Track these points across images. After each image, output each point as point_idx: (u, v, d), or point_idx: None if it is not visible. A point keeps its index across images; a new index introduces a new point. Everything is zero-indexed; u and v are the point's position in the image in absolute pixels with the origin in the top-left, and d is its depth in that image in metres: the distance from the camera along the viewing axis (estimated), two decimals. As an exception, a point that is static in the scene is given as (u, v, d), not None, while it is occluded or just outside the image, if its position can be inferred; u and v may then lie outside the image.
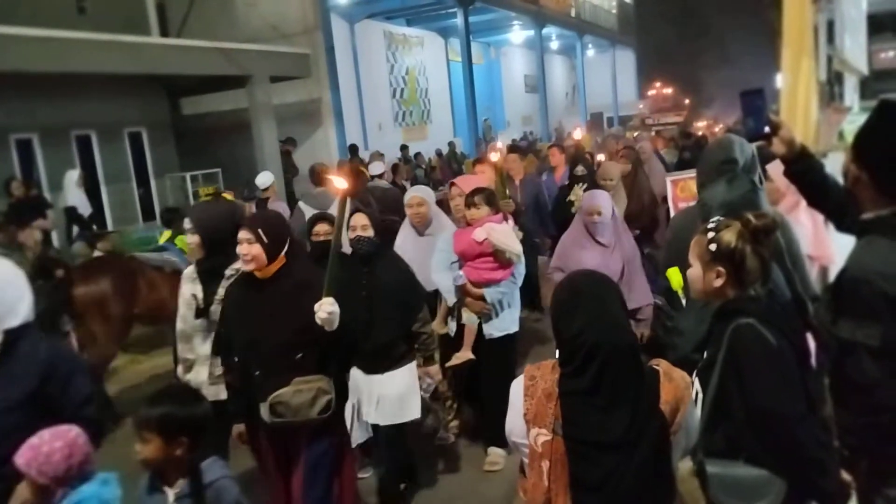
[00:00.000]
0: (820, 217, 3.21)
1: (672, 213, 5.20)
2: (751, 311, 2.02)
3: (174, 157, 14.17)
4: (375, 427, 3.84)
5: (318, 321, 2.64)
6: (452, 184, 4.82)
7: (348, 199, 2.76)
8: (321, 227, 3.91)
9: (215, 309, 3.38)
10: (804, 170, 2.32)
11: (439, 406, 4.47)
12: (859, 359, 1.98)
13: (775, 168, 2.99)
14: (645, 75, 37.78)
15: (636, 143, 8.12)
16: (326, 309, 2.62)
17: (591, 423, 1.82)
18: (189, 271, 3.57)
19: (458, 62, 21.55)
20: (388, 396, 3.70)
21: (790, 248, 2.75)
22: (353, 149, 15.20)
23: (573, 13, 28.58)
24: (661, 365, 1.94)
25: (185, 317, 3.53)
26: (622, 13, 35.42)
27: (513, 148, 9.73)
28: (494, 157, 5.61)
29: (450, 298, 4.20)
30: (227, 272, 3.39)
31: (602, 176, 5.88)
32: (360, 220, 3.69)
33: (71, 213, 10.48)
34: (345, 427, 3.16)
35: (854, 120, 5.38)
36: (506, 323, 4.25)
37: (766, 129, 2.28)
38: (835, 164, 2.89)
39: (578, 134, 10.89)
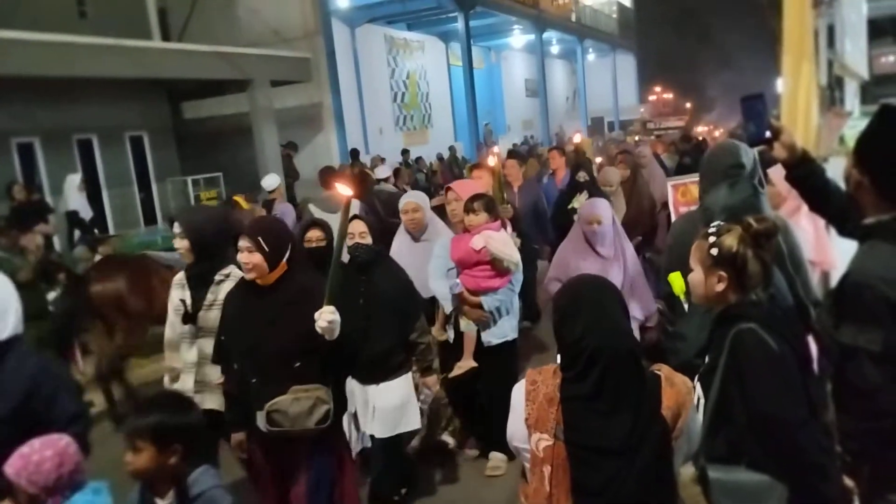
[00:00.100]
0: (821, 222, 3.21)
1: (673, 218, 5.20)
2: (752, 315, 2.02)
3: (175, 161, 14.20)
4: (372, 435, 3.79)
5: (318, 330, 2.57)
6: (448, 188, 4.77)
7: (351, 206, 2.72)
8: (314, 233, 3.85)
9: (203, 315, 3.31)
10: (805, 174, 2.32)
11: (437, 414, 4.44)
12: (861, 364, 1.97)
13: (776, 173, 3.00)
14: (645, 79, 37.84)
15: (636, 148, 8.08)
16: (327, 318, 2.55)
17: (592, 428, 1.82)
18: (178, 277, 3.51)
19: (458, 66, 21.62)
20: (386, 408, 3.63)
21: (792, 253, 2.75)
22: (355, 153, 15.23)
23: (574, 17, 28.67)
24: (663, 370, 1.94)
25: (173, 324, 3.46)
26: (622, 17, 35.50)
27: (512, 153, 9.64)
28: (491, 161, 5.57)
29: (447, 306, 4.16)
30: (217, 277, 3.33)
31: (601, 182, 5.88)
32: (359, 226, 3.63)
33: (72, 217, 10.50)
34: (345, 438, 3.11)
35: (855, 125, 5.37)
36: (504, 330, 4.21)
37: (768, 133, 2.29)
38: (835, 169, 2.90)
39: (578, 138, 10.84)
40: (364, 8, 18.60)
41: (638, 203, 6.18)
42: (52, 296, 6.17)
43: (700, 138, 14.90)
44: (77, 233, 10.38)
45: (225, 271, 3.34)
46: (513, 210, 5.75)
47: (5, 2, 10.44)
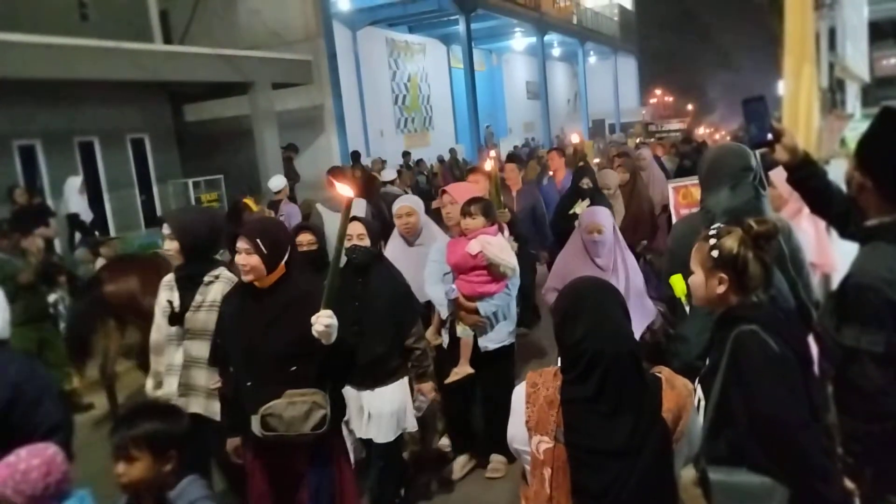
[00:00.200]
0: (822, 224, 3.21)
1: (674, 220, 5.19)
2: (753, 317, 2.02)
3: (177, 164, 14.19)
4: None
5: (315, 334, 2.49)
6: (444, 191, 4.69)
7: (353, 207, 2.69)
8: (304, 237, 3.83)
9: (190, 316, 3.28)
10: (807, 177, 2.32)
11: (433, 420, 4.41)
12: (863, 366, 1.97)
13: (778, 175, 3.00)
14: (647, 82, 37.87)
15: (635, 151, 8.05)
16: (323, 322, 2.46)
17: (593, 431, 1.82)
18: (167, 279, 3.48)
19: (460, 69, 21.65)
20: (382, 415, 3.57)
21: (794, 255, 2.74)
22: (356, 155, 15.24)
23: (575, 20, 28.70)
24: (664, 372, 1.93)
25: (160, 326, 3.42)
26: (624, 20, 35.52)
27: (512, 156, 9.55)
28: (488, 165, 5.53)
29: (443, 311, 4.12)
30: (206, 279, 3.31)
31: (600, 184, 5.86)
32: (356, 228, 3.56)
33: (73, 220, 10.50)
34: (345, 444, 3.06)
35: (856, 127, 5.37)
36: (501, 335, 4.18)
37: (769, 136, 2.29)
38: (837, 171, 2.89)
39: (576, 138, 10.69)
40: (365, 10, 18.65)
41: (637, 207, 6.16)
42: (52, 298, 6.20)
43: (701, 140, 14.91)
44: (78, 235, 10.38)
45: (214, 273, 3.32)
46: (510, 214, 5.69)
47: (6, 4, 10.46)
